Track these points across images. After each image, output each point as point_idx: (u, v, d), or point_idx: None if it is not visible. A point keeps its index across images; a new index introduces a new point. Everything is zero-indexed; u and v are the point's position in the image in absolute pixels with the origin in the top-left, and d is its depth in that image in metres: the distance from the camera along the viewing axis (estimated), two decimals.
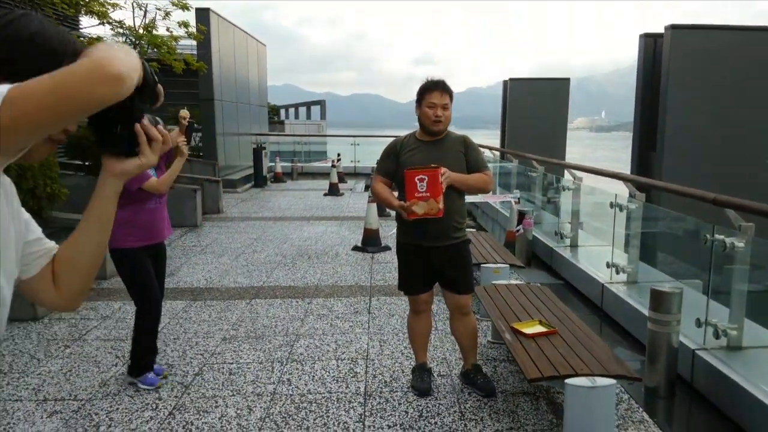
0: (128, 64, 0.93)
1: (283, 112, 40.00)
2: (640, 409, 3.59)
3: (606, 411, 2.85)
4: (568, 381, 2.87)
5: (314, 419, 3.50)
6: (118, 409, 3.63)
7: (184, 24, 10.89)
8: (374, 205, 8.04)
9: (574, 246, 6.87)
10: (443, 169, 3.41)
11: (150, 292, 3.94)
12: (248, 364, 4.28)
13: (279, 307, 5.57)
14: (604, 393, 2.82)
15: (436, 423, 3.46)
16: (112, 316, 5.30)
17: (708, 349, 3.91)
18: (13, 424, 3.45)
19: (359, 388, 3.91)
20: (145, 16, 10.46)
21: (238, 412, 3.59)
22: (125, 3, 10.50)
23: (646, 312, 4.05)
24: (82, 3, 8.56)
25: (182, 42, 11.69)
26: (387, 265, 7.10)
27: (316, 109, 38.28)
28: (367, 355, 4.44)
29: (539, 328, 3.67)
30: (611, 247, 5.83)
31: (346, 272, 6.82)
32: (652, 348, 3.82)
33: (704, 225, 4.12)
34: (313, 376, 4.08)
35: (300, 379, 4.03)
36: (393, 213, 3.78)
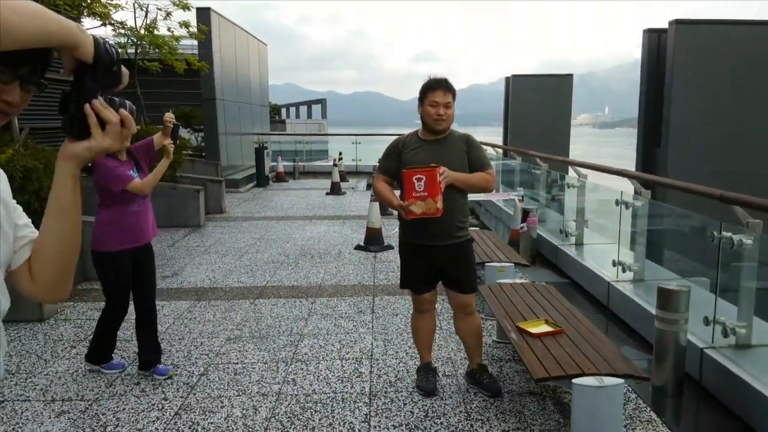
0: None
1: (284, 111, 39.99)
2: (648, 409, 3.56)
3: (614, 411, 2.82)
4: (575, 381, 2.84)
5: (319, 419, 3.48)
6: (124, 409, 3.62)
7: (185, 24, 10.89)
8: (377, 204, 8.01)
9: (579, 244, 6.83)
10: (442, 169, 3.38)
11: (123, 296, 4.02)
12: (253, 364, 4.27)
13: (283, 306, 5.55)
14: (612, 393, 2.80)
15: (441, 423, 3.43)
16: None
17: (716, 347, 3.88)
18: (22, 424, 3.45)
19: (364, 388, 3.89)
20: (146, 16, 10.46)
21: (244, 412, 3.58)
22: (126, 3, 10.50)
23: (653, 310, 4.02)
24: (84, 4, 8.55)
25: (183, 42, 11.69)
26: (390, 264, 7.07)
27: (317, 108, 38.27)
28: (371, 355, 4.42)
29: (545, 328, 3.64)
30: (617, 244, 5.80)
31: (349, 272, 6.80)
32: (659, 347, 3.79)
33: (711, 222, 4.09)
34: (318, 376, 4.06)
35: (305, 379, 4.02)
36: (396, 212, 3.76)
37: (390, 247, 7.84)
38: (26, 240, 1.17)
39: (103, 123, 1.07)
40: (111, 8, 9.29)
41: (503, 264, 5.18)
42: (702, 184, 4.60)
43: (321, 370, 4.16)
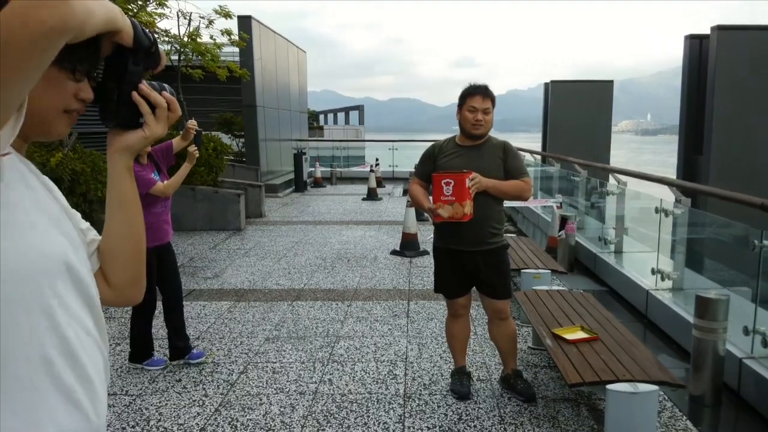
0: None
1: (322, 117, 40.43)
2: (684, 417, 3.53)
3: (648, 417, 2.83)
4: (609, 387, 2.86)
5: (355, 419, 3.56)
6: (166, 404, 3.76)
7: (227, 32, 11.16)
8: (412, 210, 8.08)
9: (618, 252, 6.77)
10: (473, 174, 3.42)
11: (151, 292, 4.23)
12: (291, 364, 4.37)
13: (320, 309, 5.65)
14: (647, 399, 2.80)
15: (475, 426, 3.47)
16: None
17: (756, 357, 3.82)
18: None
19: (399, 389, 3.95)
20: (189, 24, 10.76)
21: (282, 409, 3.68)
22: (170, 13, 10.83)
23: (691, 319, 3.98)
24: (130, 13, 8.86)
25: (225, 49, 11.98)
26: (425, 270, 7.12)
27: (354, 114, 38.57)
28: (406, 358, 4.48)
29: (581, 334, 3.65)
30: (656, 253, 5.73)
31: (384, 276, 6.87)
32: (697, 355, 3.76)
33: (752, 230, 4.03)
34: (354, 377, 4.14)
35: (341, 380, 4.10)
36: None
37: (425, 253, 7.89)
38: (95, 244, 1.13)
39: (151, 108, 1.04)
40: (156, 17, 9.59)
41: (539, 271, 5.19)
42: (745, 192, 4.53)
43: (356, 371, 4.24)
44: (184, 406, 3.73)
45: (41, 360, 0.89)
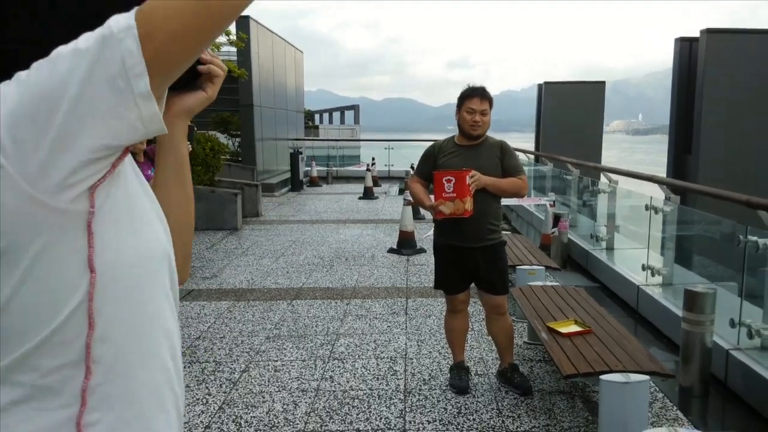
0: None
1: (317, 117, 40.49)
2: (674, 407, 3.67)
3: (640, 406, 2.95)
4: (602, 377, 2.98)
5: (357, 414, 3.67)
6: None
7: (226, 32, 11.24)
8: (409, 208, 8.20)
9: (610, 249, 6.91)
10: (472, 172, 3.56)
11: None
12: (292, 362, 4.48)
13: (319, 307, 5.76)
14: (638, 388, 2.93)
15: (474, 419, 3.59)
16: None
17: (742, 349, 3.96)
18: None
19: (399, 385, 4.07)
20: None
21: (285, 406, 3.78)
22: None
23: (680, 313, 4.12)
24: None
25: (223, 49, 12.06)
26: (423, 267, 7.25)
27: (349, 114, 38.65)
28: (405, 354, 4.59)
29: (575, 328, 3.78)
30: (646, 249, 5.88)
31: (382, 274, 6.99)
32: (686, 348, 3.89)
33: (738, 227, 4.17)
34: (355, 374, 4.25)
35: (342, 376, 4.21)
36: (431, 215, 3.97)
37: (422, 251, 8.01)
38: None
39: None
40: None
41: (534, 267, 5.31)
42: (733, 190, 4.67)
43: (357, 368, 4.35)
44: (188, 405, 3.82)
45: (158, 362, 0.88)
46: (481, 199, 3.62)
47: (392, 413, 3.68)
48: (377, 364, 4.43)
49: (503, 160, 3.76)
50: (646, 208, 5.59)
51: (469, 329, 4.64)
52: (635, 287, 5.57)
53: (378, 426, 3.53)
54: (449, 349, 4.24)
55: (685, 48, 8.62)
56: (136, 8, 0.73)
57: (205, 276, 6.94)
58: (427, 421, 3.58)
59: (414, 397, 3.88)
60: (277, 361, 4.51)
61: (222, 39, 11.26)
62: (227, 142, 15.30)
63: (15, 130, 0.71)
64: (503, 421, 3.56)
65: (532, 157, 12.44)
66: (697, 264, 5.96)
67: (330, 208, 12.55)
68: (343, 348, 4.74)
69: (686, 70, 8.63)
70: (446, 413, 3.67)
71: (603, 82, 15.60)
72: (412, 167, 15.44)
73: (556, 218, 7.46)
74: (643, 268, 5.59)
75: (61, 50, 0.72)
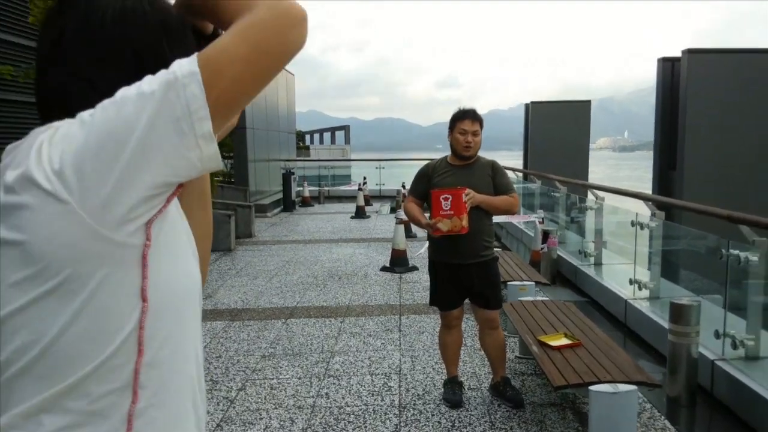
0: None
1: (308, 137, 40.69)
2: (662, 417, 3.77)
3: (628, 416, 3.05)
4: (591, 387, 3.08)
5: (353, 429, 3.74)
6: None
7: None
8: (402, 227, 8.31)
9: (598, 264, 7.05)
10: (467, 190, 3.69)
11: None
12: (288, 380, 4.54)
13: (314, 326, 5.83)
14: (626, 398, 3.03)
15: None
16: None
17: (727, 359, 4.07)
18: None
19: (394, 400, 4.14)
20: None
21: (282, 423, 3.84)
22: None
23: (667, 325, 4.23)
24: None
25: None
26: (415, 285, 7.34)
27: (340, 134, 38.89)
28: (399, 371, 4.67)
29: (564, 341, 3.88)
30: (633, 264, 6.01)
31: (375, 292, 7.07)
32: (672, 359, 4.00)
33: (721, 241, 4.31)
34: (350, 390, 4.32)
35: (337, 393, 4.28)
36: (424, 233, 4.09)
37: (415, 268, 8.10)
38: None
39: None
40: None
41: (524, 283, 5.42)
42: (717, 204, 4.81)
43: (352, 385, 4.42)
44: None
45: (191, 389, 0.91)
46: (475, 217, 3.74)
47: (387, 428, 3.75)
48: (372, 380, 4.50)
49: (495, 179, 3.90)
50: (632, 224, 5.73)
51: (462, 345, 4.74)
52: (623, 301, 5.70)
53: None
54: (443, 365, 4.33)
55: (668, 67, 8.87)
56: (197, 54, 0.79)
57: None
58: None
59: (409, 412, 3.96)
60: (273, 379, 4.57)
61: None
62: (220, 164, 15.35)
63: (81, 168, 0.77)
64: None
65: (520, 175, 12.61)
66: (683, 278, 6.10)
67: (322, 227, 12.64)
68: (338, 365, 4.81)
69: (669, 89, 8.86)
70: (440, 427, 3.75)
71: (588, 101, 15.90)
72: (403, 186, 15.59)
73: (545, 235, 7.59)
74: (631, 282, 5.72)
75: (127, 92, 0.79)
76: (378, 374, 4.61)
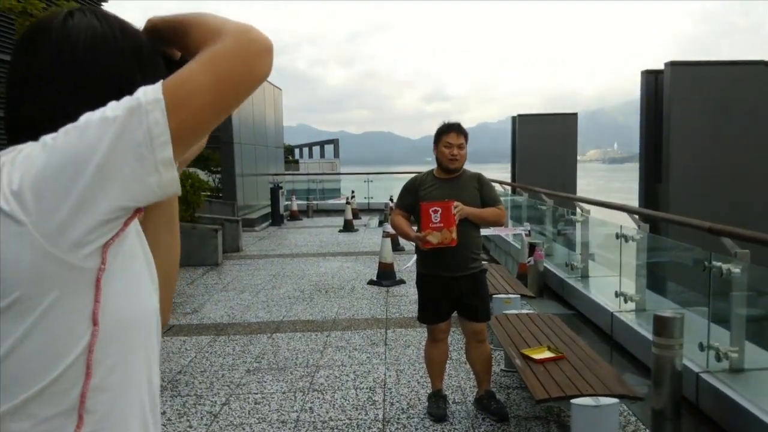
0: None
1: (297, 151, 40.71)
2: (646, 430, 3.76)
3: (610, 429, 3.04)
4: (573, 401, 3.07)
5: None
6: None
7: None
8: (388, 240, 8.30)
9: (584, 277, 7.05)
10: (455, 202, 3.69)
11: None
12: (272, 394, 4.50)
13: (299, 340, 5.79)
14: (608, 411, 3.02)
15: None
16: None
17: (711, 371, 4.07)
18: None
19: (378, 414, 4.11)
20: None
21: None
22: None
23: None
24: None
25: None
26: (402, 298, 7.31)
27: (329, 148, 38.96)
28: (384, 384, 4.64)
29: (547, 354, 3.87)
30: (619, 277, 6.02)
31: (362, 306, 7.04)
32: (656, 371, 3.98)
33: (703, 253, 4.32)
34: (334, 404, 4.29)
35: (321, 407, 4.24)
36: (414, 246, 4.08)
37: (402, 282, 8.08)
38: None
39: None
40: None
41: (510, 296, 5.42)
42: (705, 217, 4.83)
43: (336, 399, 4.39)
44: None
45: (141, 417, 0.91)
46: (463, 230, 3.74)
47: None
48: (356, 394, 4.47)
49: (482, 191, 3.92)
50: (617, 236, 5.75)
51: (448, 358, 4.72)
52: (609, 314, 5.70)
53: None
54: (428, 378, 4.30)
55: (651, 80, 8.96)
56: (162, 81, 0.80)
57: (185, 311, 6.93)
58: None
59: (392, 426, 3.93)
60: (257, 393, 4.53)
61: None
62: (208, 179, 15.35)
63: (39, 190, 0.77)
64: None
65: (509, 188, 12.65)
66: (669, 290, 6.11)
67: (310, 241, 12.61)
68: (323, 379, 4.77)
69: (653, 101, 8.94)
70: None
71: (575, 114, 16.01)
72: (391, 199, 15.59)
73: (532, 247, 7.60)
74: (616, 295, 5.72)
75: (90, 117, 0.79)
76: (362, 388, 4.57)
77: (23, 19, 5.68)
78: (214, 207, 13.19)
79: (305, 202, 18.40)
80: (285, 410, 4.21)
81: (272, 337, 5.89)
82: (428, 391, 4.26)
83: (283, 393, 4.52)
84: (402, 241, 10.90)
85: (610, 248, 6.64)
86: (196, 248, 9.74)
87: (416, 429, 3.88)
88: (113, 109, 0.79)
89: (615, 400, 3.07)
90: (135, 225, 0.91)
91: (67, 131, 0.79)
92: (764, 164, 8.24)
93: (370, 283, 8.17)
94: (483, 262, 4.10)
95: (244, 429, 3.94)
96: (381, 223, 13.97)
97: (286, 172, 21.45)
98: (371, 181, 19.41)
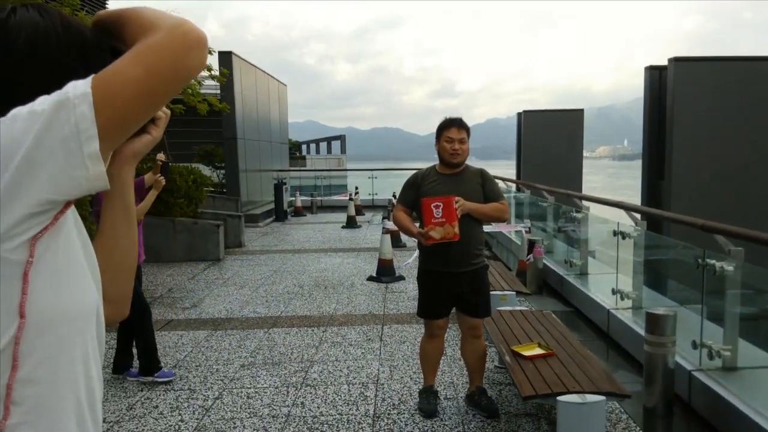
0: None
1: (304, 147, 40.75)
2: (638, 428, 3.74)
3: (597, 426, 3.02)
4: (559, 398, 3.06)
5: None
6: (143, 430, 3.88)
7: (207, 68, 11.41)
8: (388, 236, 8.29)
9: (583, 274, 7.02)
10: (457, 197, 3.69)
11: (144, 300, 4.79)
12: (265, 389, 4.51)
13: (295, 335, 5.80)
14: (594, 408, 3.01)
15: None
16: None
17: (704, 370, 4.04)
18: None
19: (368, 410, 4.11)
20: None
21: None
22: None
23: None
24: None
25: (207, 83, 12.23)
26: (401, 295, 7.31)
27: (336, 144, 38.97)
28: (377, 380, 4.64)
29: (538, 350, 3.86)
30: (616, 274, 5.99)
31: (360, 302, 7.04)
32: (649, 369, 3.97)
33: (698, 250, 4.29)
34: (326, 400, 4.29)
35: (313, 402, 4.25)
36: (416, 243, 4.07)
37: (401, 278, 8.08)
38: None
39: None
40: None
41: (505, 292, 5.40)
42: (706, 215, 4.79)
43: (329, 394, 4.39)
44: (161, 431, 3.86)
45: (76, 411, 0.90)
46: (465, 225, 3.73)
47: None
48: (348, 389, 4.47)
49: (484, 186, 3.90)
50: (614, 233, 5.72)
51: (443, 354, 4.72)
52: (605, 311, 5.67)
53: None
54: (421, 375, 4.30)
55: (655, 76, 8.88)
56: (93, 76, 0.80)
57: (185, 306, 6.96)
58: None
59: (382, 422, 3.93)
60: (250, 388, 4.54)
61: (204, 74, 11.42)
62: (212, 174, 15.40)
63: None
64: None
65: (512, 184, 12.59)
66: (665, 287, 6.07)
67: (313, 237, 12.62)
68: (317, 375, 4.78)
69: (657, 98, 8.87)
70: None
71: (581, 110, 15.90)
72: (394, 195, 15.58)
73: (531, 244, 7.57)
74: (613, 292, 5.69)
75: (19, 111, 0.80)
76: (355, 384, 4.58)
77: None
78: (218, 203, 13.23)
79: (309, 198, 18.41)
80: (276, 405, 4.22)
81: (269, 333, 5.91)
82: (420, 387, 4.25)
83: (276, 388, 4.53)
84: (403, 237, 10.89)
85: (608, 245, 6.60)
86: (198, 243, 9.78)
87: (406, 424, 3.88)
88: (41, 103, 0.79)
89: (602, 398, 3.05)
90: (73, 219, 0.92)
91: None
92: None
93: (370, 279, 8.17)
94: (485, 259, 4.08)
95: (234, 423, 3.95)
96: (384, 220, 13.97)
97: (291, 168, 21.48)
98: (376, 178, 19.40)
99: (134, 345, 4.85)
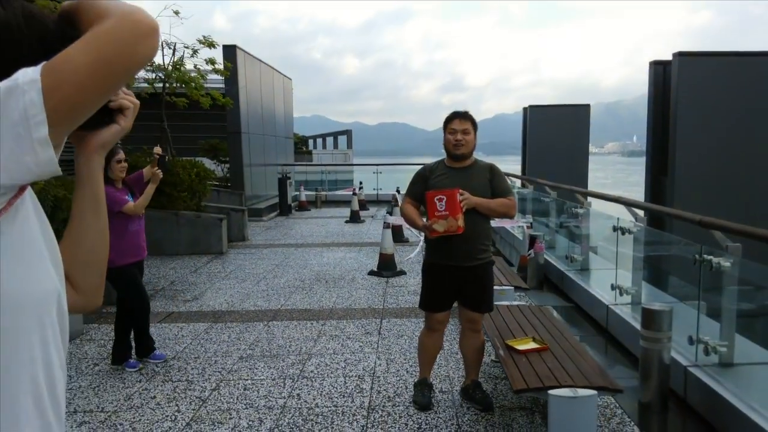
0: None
1: (311, 142, 40.79)
2: (632, 423, 3.73)
3: (588, 421, 3.02)
4: (551, 392, 3.05)
5: (319, 430, 3.73)
6: (140, 420, 3.91)
7: (211, 61, 11.41)
8: (389, 231, 8.29)
9: (584, 269, 7.00)
10: (460, 190, 3.68)
11: (144, 295, 4.91)
12: (262, 381, 4.53)
13: (294, 328, 5.82)
14: (586, 403, 3.00)
15: None
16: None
17: (700, 365, 4.03)
18: None
19: (364, 402, 4.12)
20: (173, 54, 11.02)
21: (250, 423, 3.84)
22: None
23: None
24: None
25: (211, 77, 12.25)
26: (401, 289, 7.31)
27: (342, 139, 38.99)
28: (373, 373, 4.65)
29: (532, 345, 3.85)
30: (615, 270, 5.97)
31: (360, 296, 7.06)
32: (644, 364, 3.96)
33: (697, 246, 4.27)
34: (322, 392, 4.31)
35: (309, 394, 4.27)
36: (421, 237, 4.08)
37: (402, 273, 8.08)
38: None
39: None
40: None
41: (503, 287, 5.39)
42: (709, 211, 4.76)
43: (325, 386, 4.41)
44: (157, 421, 3.89)
45: (34, 394, 0.91)
46: (472, 220, 3.71)
47: (354, 429, 3.74)
48: (345, 382, 4.49)
49: (492, 182, 3.87)
50: (614, 229, 5.70)
51: (441, 348, 4.72)
52: (605, 306, 5.65)
53: None
54: (417, 368, 4.30)
55: (660, 71, 8.82)
56: (43, 63, 0.82)
57: (186, 299, 7.00)
58: None
59: (377, 414, 3.94)
60: (247, 380, 4.56)
61: (207, 67, 11.44)
62: (216, 168, 15.42)
63: None
64: None
65: (518, 181, 12.56)
66: (664, 283, 6.04)
67: (316, 231, 12.64)
68: (314, 367, 4.80)
69: (661, 93, 8.81)
70: (407, 429, 3.73)
71: (588, 105, 15.81)
72: (398, 191, 15.57)
73: (532, 240, 7.56)
74: (612, 287, 5.67)
75: None
76: (351, 376, 4.59)
77: None
78: (222, 197, 13.27)
79: (314, 193, 18.44)
80: (273, 396, 4.24)
81: (268, 325, 5.93)
82: (416, 380, 4.26)
83: (273, 380, 4.55)
84: (406, 232, 10.90)
85: (609, 241, 6.58)
86: (201, 237, 9.82)
87: (400, 417, 3.89)
88: None
89: (593, 392, 3.05)
90: (32, 203, 0.93)
91: None
92: None
93: (371, 273, 8.18)
94: (491, 254, 4.06)
95: (230, 414, 3.97)
96: (388, 214, 13.97)
97: (295, 163, 21.50)
98: (381, 173, 19.39)
99: (132, 337, 4.90)
